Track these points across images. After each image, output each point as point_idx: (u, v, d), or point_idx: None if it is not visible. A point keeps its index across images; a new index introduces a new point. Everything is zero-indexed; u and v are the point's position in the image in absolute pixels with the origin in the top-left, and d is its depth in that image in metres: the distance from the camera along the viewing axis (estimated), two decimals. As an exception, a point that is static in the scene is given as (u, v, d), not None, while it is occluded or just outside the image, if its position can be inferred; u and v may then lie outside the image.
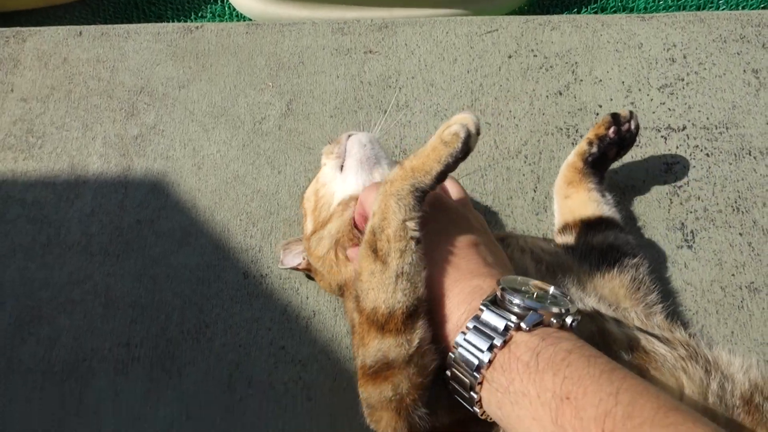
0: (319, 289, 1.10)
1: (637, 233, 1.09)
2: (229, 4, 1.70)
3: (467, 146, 0.68)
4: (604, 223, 1.02)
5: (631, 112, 1.07)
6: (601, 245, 0.98)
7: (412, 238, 0.66)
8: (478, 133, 0.70)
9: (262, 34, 1.36)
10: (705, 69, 1.23)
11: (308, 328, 1.08)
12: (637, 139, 1.09)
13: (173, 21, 1.70)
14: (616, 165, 1.15)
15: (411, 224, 0.66)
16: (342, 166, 0.97)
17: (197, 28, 1.39)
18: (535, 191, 1.15)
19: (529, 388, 0.53)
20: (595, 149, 1.06)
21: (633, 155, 1.16)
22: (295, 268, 1.06)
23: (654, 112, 1.19)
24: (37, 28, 1.42)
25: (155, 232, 1.18)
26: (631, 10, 1.58)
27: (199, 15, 1.71)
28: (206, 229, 1.18)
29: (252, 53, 1.34)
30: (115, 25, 1.43)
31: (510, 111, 1.22)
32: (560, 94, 1.23)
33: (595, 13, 1.57)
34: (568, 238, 1.03)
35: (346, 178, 0.95)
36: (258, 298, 1.11)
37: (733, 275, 1.05)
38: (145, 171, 1.24)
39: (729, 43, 1.25)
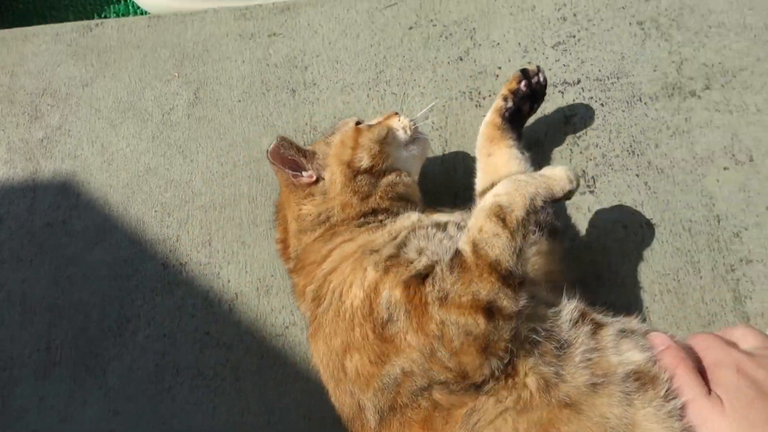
0: (241, 270, 1.10)
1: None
2: (133, 2, 1.68)
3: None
4: None
5: (538, 67, 1.11)
6: None
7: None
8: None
9: (164, 26, 1.35)
10: (594, 24, 1.28)
11: (232, 310, 1.08)
12: (546, 92, 1.13)
13: (76, 24, 1.67)
14: (518, 122, 1.19)
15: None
16: (407, 143, 1.03)
17: (97, 25, 1.37)
18: (444, 153, 1.18)
19: None
20: (510, 104, 1.10)
21: (534, 112, 1.20)
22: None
23: (550, 69, 1.24)
24: (-73, 39, 1.37)
25: (68, 233, 1.16)
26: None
27: (102, 16, 1.68)
28: (121, 224, 1.16)
29: (155, 46, 1.33)
30: (13, 29, 1.40)
31: (414, 80, 1.25)
32: (461, 59, 1.27)
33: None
34: None
35: (409, 150, 1.03)
36: (179, 286, 1.11)
37: (632, 214, 1.10)
38: (53, 172, 1.21)
39: (615, -2, 1.31)
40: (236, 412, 1.02)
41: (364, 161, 0.96)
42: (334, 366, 0.81)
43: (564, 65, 1.25)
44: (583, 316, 0.79)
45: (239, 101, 1.26)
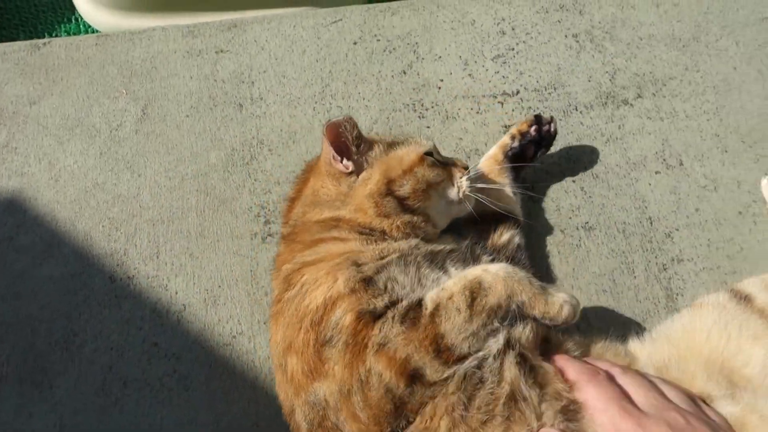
0: (189, 282, 1.12)
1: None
2: (84, 21, 1.69)
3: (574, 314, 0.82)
4: (513, 220, 1.07)
5: (552, 117, 1.13)
6: (506, 245, 1.04)
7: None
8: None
9: (112, 44, 1.37)
10: (531, 38, 1.34)
11: (180, 321, 1.09)
12: (553, 143, 1.15)
13: (27, 43, 1.68)
14: (457, 133, 1.23)
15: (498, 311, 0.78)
16: (451, 202, 1.00)
17: (45, 44, 1.38)
18: (388, 164, 1.21)
19: None
20: (516, 144, 1.11)
21: (474, 121, 1.24)
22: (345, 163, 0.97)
23: (490, 81, 1.29)
24: None
25: (15, 249, 1.16)
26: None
27: (53, 35, 1.69)
28: (69, 239, 1.17)
29: (103, 63, 1.35)
30: (-42, 50, 1.40)
31: (359, 93, 1.29)
32: (404, 73, 1.31)
33: None
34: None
35: (449, 208, 1.01)
36: (127, 299, 1.11)
37: (570, 218, 1.15)
38: (-1, 190, 1.22)
39: (550, 12, 1.36)
40: (184, 423, 1.02)
41: (404, 189, 0.94)
42: (281, 357, 0.83)
43: (503, 77, 1.29)
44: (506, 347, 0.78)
45: (187, 116, 1.28)
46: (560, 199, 1.16)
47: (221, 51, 1.35)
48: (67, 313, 1.11)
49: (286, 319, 0.83)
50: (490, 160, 1.12)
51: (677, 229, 1.14)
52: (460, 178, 1.00)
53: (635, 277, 1.10)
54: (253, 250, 1.14)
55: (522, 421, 0.72)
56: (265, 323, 1.08)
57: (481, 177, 1.04)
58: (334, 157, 0.95)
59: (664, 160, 1.20)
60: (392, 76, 1.31)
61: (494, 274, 0.79)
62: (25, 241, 1.16)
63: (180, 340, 1.08)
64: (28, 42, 1.39)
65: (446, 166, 1.01)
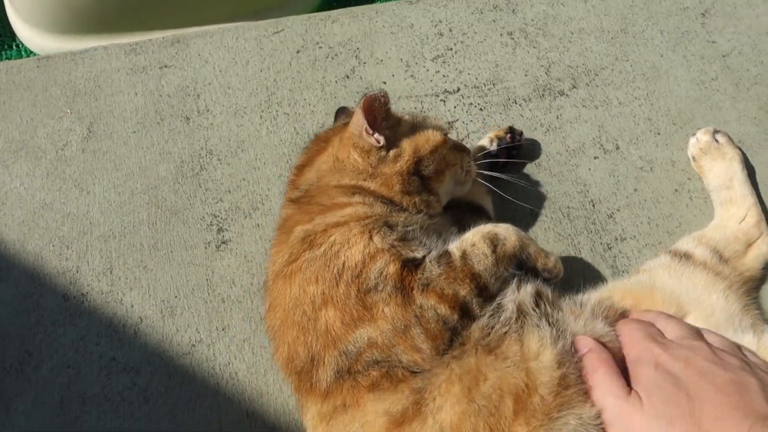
0: (144, 294, 1.11)
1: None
2: (25, 48, 1.68)
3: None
4: (483, 213, 1.13)
5: (521, 132, 1.22)
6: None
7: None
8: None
9: (54, 66, 1.37)
10: (468, 38, 1.38)
11: (137, 334, 1.09)
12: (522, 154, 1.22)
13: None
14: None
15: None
16: (457, 182, 1.06)
17: (-16, 70, 1.37)
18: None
19: None
20: (494, 147, 1.19)
21: (419, 120, 1.28)
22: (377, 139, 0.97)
23: (431, 81, 1.33)
24: None
25: (-37, 275, 1.14)
26: None
27: (-6, 62, 1.67)
28: (18, 260, 1.15)
29: (46, 85, 1.34)
30: None
31: (305, 99, 1.31)
32: (348, 77, 1.34)
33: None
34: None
35: (454, 187, 1.07)
36: (82, 316, 1.10)
37: (517, 205, 1.18)
38: (-57, 217, 1.19)
39: (485, 13, 1.42)
40: (146, 434, 1.01)
41: (429, 169, 0.99)
42: (304, 313, 0.83)
43: (444, 76, 1.33)
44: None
45: (134, 132, 1.28)
46: (506, 189, 1.20)
47: (165, 66, 1.36)
48: (20, 334, 1.09)
49: (310, 275, 0.84)
50: None
51: (618, 210, 1.19)
52: (468, 162, 1.07)
53: (582, 258, 1.14)
54: (208, 259, 1.15)
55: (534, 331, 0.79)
56: (224, 329, 1.09)
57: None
58: (366, 130, 0.95)
59: (602, 145, 1.25)
60: (336, 81, 1.33)
61: (505, 229, 0.90)
62: (-28, 266, 1.15)
63: (138, 352, 1.07)
64: (-33, 69, 1.38)
65: (459, 149, 1.06)
